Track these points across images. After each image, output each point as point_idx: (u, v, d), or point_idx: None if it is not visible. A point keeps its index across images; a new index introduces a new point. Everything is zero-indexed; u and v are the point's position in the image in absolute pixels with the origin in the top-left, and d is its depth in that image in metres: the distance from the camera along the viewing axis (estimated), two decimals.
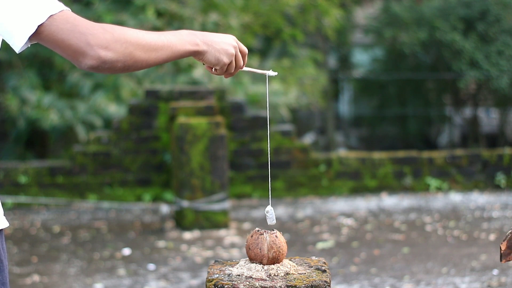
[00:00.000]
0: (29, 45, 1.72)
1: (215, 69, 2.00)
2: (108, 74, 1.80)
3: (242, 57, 2.02)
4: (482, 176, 9.10)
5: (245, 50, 2.02)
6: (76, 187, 8.46)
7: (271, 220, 2.14)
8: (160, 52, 1.83)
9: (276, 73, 2.16)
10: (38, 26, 1.68)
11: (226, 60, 1.96)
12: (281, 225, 7.20)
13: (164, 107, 8.46)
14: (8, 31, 1.69)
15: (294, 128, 9.18)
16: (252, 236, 2.09)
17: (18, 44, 1.70)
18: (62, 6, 1.71)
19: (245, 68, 2.08)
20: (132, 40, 1.77)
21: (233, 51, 1.97)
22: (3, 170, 8.38)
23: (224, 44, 1.96)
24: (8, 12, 1.68)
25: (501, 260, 2.21)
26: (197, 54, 1.93)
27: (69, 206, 8.38)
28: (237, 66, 2.01)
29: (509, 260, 2.21)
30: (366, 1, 16.07)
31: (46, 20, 1.68)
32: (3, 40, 1.85)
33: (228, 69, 2.00)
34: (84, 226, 7.44)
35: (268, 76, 2.14)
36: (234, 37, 2.00)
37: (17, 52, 1.73)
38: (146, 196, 8.52)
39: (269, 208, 2.15)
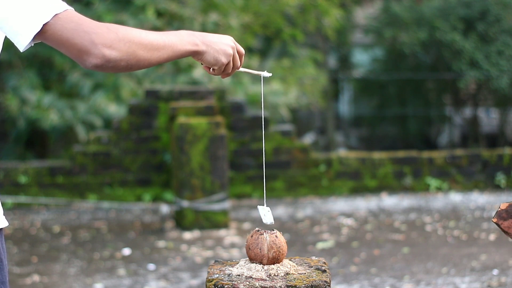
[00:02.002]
0: (33, 44, 1.73)
1: (213, 69, 2.03)
2: (111, 73, 1.84)
3: (239, 58, 2.05)
4: (482, 176, 9.10)
5: (242, 50, 2.06)
6: (76, 187, 8.46)
7: (264, 219, 2.13)
8: (162, 51, 1.85)
9: (270, 74, 2.18)
10: (43, 24, 1.69)
11: (224, 60, 1.99)
12: (281, 225, 7.20)
13: (164, 107, 8.46)
14: (13, 29, 1.70)
15: (294, 128, 9.17)
16: (252, 236, 2.09)
17: (23, 42, 1.71)
18: (66, 6, 1.73)
19: (241, 69, 2.11)
20: (135, 40, 1.79)
21: (231, 51, 2.00)
22: (3, 170, 8.38)
23: (223, 45, 1.99)
24: (13, 11, 1.69)
25: (493, 217, 2.23)
26: (197, 54, 1.95)
27: (69, 206, 8.38)
28: (234, 67, 2.04)
29: (498, 224, 2.22)
30: (366, 1, 16.07)
31: (51, 19, 1.69)
32: (4, 40, 1.85)
33: (226, 69, 2.03)
34: (84, 226, 7.44)
35: (263, 76, 2.16)
36: (232, 38, 2.03)
37: (21, 51, 1.74)
38: (146, 196, 8.52)
39: (260, 206, 2.15)
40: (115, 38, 1.75)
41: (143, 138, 8.53)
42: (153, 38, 1.83)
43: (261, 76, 2.17)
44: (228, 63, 2.01)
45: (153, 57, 1.83)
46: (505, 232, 2.25)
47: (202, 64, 2.02)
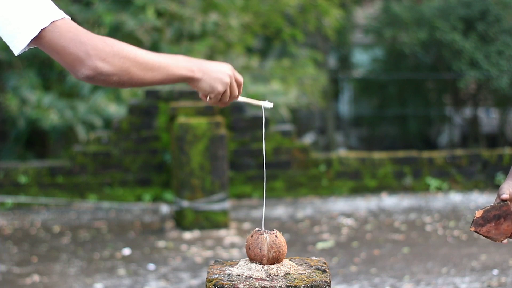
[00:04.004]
0: (27, 49, 1.74)
1: (210, 98, 2.00)
2: (103, 86, 1.84)
3: (238, 87, 2.02)
4: (482, 176, 9.10)
5: (241, 79, 2.03)
6: (76, 187, 8.46)
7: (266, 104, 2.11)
8: (156, 72, 1.85)
9: (272, 105, 2.14)
10: (41, 30, 1.70)
11: (220, 88, 1.97)
12: (281, 225, 7.20)
13: (164, 107, 8.46)
14: (9, 32, 1.71)
15: (294, 128, 9.17)
16: (252, 236, 2.09)
17: (19, 46, 1.71)
18: (63, 14, 1.74)
19: (240, 99, 2.08)
20: (130, 56, 1.79)
21: (228, 80, 1.98)
22: (3, 170, 8.38)
23: (220, 73, 1.97)
24: (11, 14, 1.69)
25: (470, 227, 2.25)
26: (192, 81, 1.94)
27: (69, 206, 8.38)
28: (232, 96, 2.02)
29: (477, 232, 2.25)
30: (366, 1, 16.08)
31: (48, 25, 1.70)
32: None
33: (223, 98, 2.01)
34: (84, 226, 7.44)
35: (264, 107, 2.13)
36: (231, 66, 2.01)
37: (15, 55, 1.75)
38: (146, 196, 8.52)
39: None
40: (110, 52, 1.75)
41: (143, 138, 8.53)
42: (148, 57, 1.83)
43: (262, 106, 2.14)
44: (225, 92, 1.99)
45: (146, 77, 1.83)
46: (486, 237, 2.27)
47: (199, 92, 2.00)
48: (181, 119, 7.34)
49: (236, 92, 2.03)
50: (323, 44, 15.15)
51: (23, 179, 8.36)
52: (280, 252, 2.07)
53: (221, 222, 7.09)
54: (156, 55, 1.86)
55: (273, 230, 2.10)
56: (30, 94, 9.73)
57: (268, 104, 2.12)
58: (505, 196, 2.24)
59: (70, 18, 1.76)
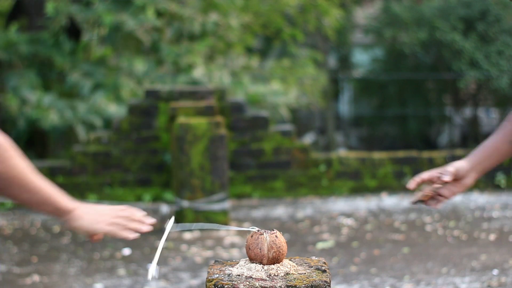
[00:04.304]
0: None
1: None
2: None
3: (135, 220, 2.00)
4: (482, 176, 9.08)
5: (137, 214, 2.02)
6: (76, 187, 8.46)
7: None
8: (35, 195, 1.82)
9: (172, 219, 2.17)
10: None
11: (105, 228, 1.96)
12: (281, 225, 7.20)
13: (164, 107, 8.46)
14: None
15: (294, 128, 9.18)
16: (252, 236, 2.09)
17: None
18: None
19: (159, 246, 2.09)
20: (17, 169, 1.76)
21: (111, 219, 1.97)
22: None
23: (102, 215, 1.96)
24: None
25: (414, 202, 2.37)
26: (72, 216, 1.91)
27: None
28: (133, 221, 2.00)
29: (415, 202, 2.33)
30: (366, 1, 16.08)
31: None
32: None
33: (123, 228, 1.97)
34: None
35: (168, 226, 2.15)
36: (122, 207, 2.00)
37: None
38: (146, 196, 8.52)
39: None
40: None
41: (143, 138, 8.52)
42: (33, 178, 1.80)
43: (167, 226, 2.15)
44: (118, 228, 1.96)
45: (22, 196, 1.79)
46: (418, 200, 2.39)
47: (90, 239, 1.97)
48: (181, 119, 7.34)
49: (134, 224, 2.00)
50: (323, 44, 15.15)
51: None
52: (280, 252, 2.07)
53: (221, 222, 7.08)
54: (42, 180, 1.82)
55: (273, 230, 2.10)
56: (30, 94, 9.73)
57: (170, 223, 2.16)
58: (446, 178, 2.28)
59: None
